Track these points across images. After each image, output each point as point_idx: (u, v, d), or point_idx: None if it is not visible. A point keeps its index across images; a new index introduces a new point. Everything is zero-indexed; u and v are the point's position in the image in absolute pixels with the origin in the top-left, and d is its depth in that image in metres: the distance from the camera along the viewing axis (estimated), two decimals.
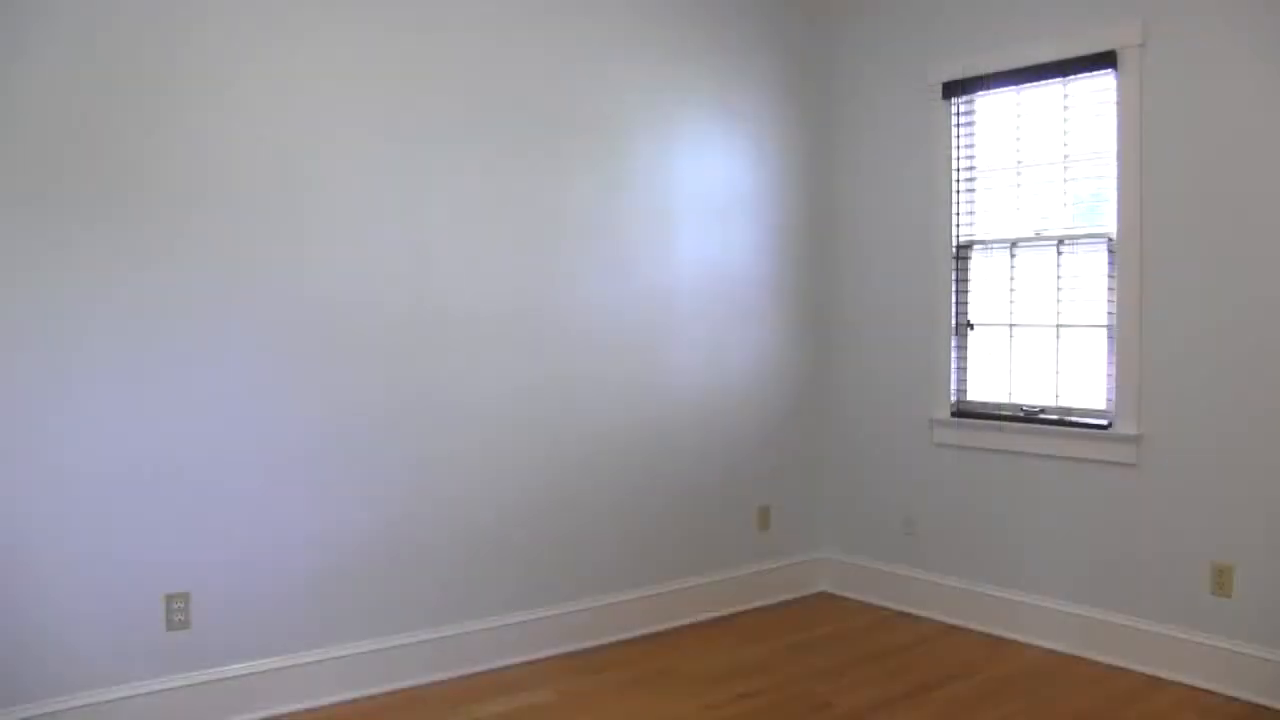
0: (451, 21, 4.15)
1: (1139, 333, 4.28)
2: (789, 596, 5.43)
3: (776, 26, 5.30)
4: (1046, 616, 4.61)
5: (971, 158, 4.95)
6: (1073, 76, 4.47)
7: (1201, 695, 4.00)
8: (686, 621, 4.97)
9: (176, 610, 3.58)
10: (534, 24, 4.39)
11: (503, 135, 4.31)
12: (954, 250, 4.97)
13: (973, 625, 4.88)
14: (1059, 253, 4.60)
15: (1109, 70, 4.32)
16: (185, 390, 3.58)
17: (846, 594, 5.48)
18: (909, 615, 5.12)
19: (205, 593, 3.65)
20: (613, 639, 4.70)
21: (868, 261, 5.39)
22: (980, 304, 4.95)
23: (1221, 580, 4.05)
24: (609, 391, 4.69)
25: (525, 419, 4.41)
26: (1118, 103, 4.30)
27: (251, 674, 3.73)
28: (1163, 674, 4.19)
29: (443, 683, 4.15)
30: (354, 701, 3.94)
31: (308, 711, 3.83)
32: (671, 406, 4.92)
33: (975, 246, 4.93)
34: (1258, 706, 3.88)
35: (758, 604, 5.27)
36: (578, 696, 4.04)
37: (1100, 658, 4.39)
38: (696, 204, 4.98)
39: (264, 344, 3.74)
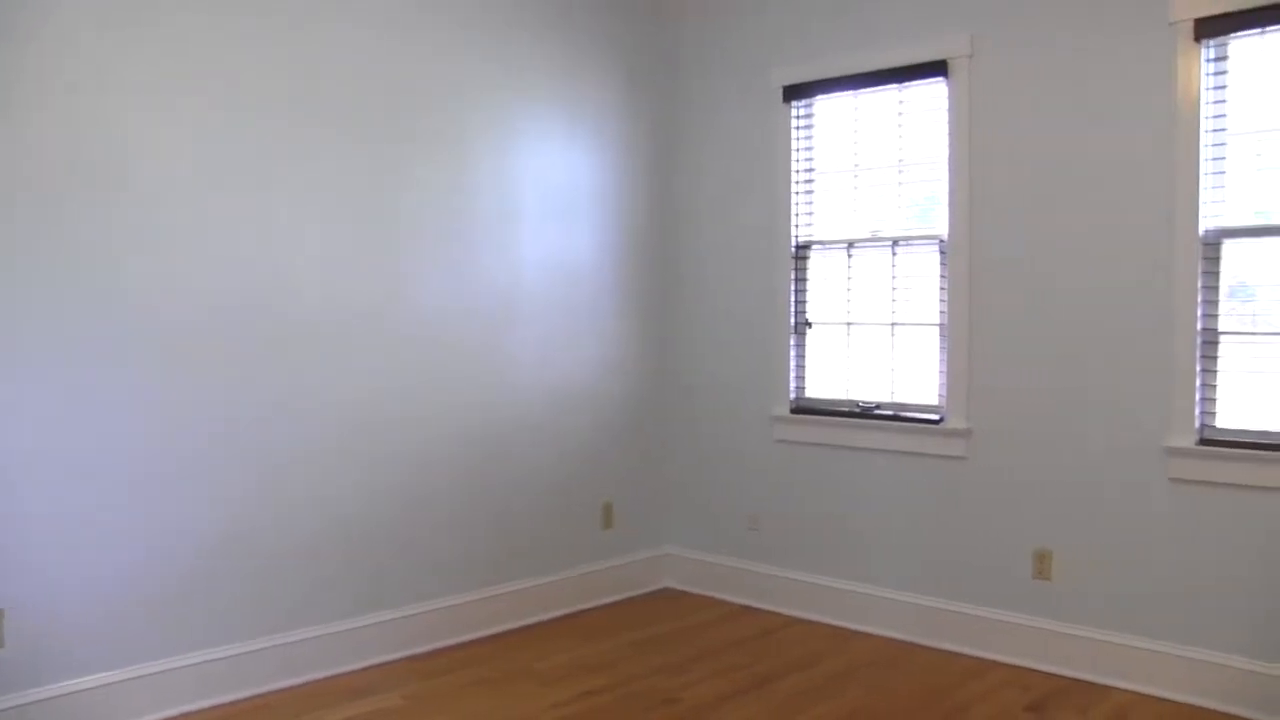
0: (290, 10, 4.00)
1: (968, 330, 4.47)
2: (633, 593, 5.44)
3: (621, 27, 5.31)
4: (886, 606, 4.76)
5: (811, 160, 5.07)
6: (907, 83, 4.64)
7: (1025, 674, 4.21)
8: (532, 621, 4.92)
9: None
10: (373, 18, 4.26)
11: (341, 135, 4.16)
12: (793, 250, 5.09)
13: (816, 617, 5.00)
14: (894, 253, 4.76)
15: (941, 78, 4.50)
16: None
17: (691, 589, 5.53)
18: (753, 609, 5.20)
19: (21, 610, 3.37)
20: (459, 640, 4.61)
21: (709, 260, 5.45)
22: (818, 303, 5.07)
23: (1042, 565, 4.28)
24: (451, 392, 4.59)
25: (366, 421, 4.28)
26: (949, 110, 4.49)
27: (77, 691, 3.48)
28: (991, 656, 4.39)
29: (290, 689, 4.00)
30: (198, 712, 3.76)
31: None
32: (515, 406, 4.86)
33: (814, 246, 5.06)
34: (1075, 680, 4.12)
35: (602, 601, 5.27)
36: (425, 699, 3.95)
37: (937, 644, 4.57)
38: (539, 203, 4.93)
39: (79, 346, 3.48)
